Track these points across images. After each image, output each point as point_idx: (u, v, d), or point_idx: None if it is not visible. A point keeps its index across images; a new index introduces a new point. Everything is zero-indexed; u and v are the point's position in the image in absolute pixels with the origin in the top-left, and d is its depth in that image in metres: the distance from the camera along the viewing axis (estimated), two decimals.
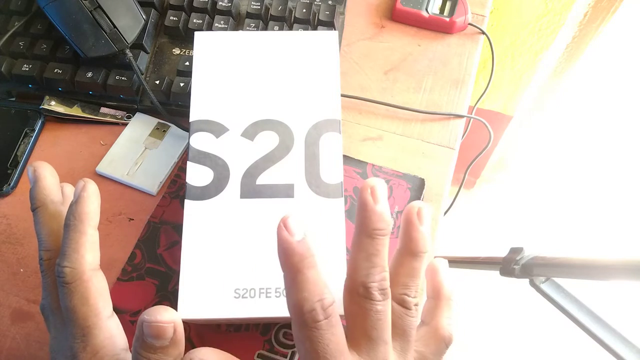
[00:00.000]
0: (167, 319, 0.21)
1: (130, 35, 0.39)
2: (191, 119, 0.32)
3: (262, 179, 0.30)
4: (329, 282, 0.22)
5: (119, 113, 0.42)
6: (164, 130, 0.41)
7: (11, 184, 0.38)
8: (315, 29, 0.42)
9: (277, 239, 0.21)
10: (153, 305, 0.34)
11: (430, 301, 0.27)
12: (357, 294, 0.22)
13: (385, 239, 0.22)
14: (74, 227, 0.24)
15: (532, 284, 0.51)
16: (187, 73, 0.40)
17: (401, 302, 0.24)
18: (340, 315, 0.31)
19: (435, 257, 0.29)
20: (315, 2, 0.43)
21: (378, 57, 0.44)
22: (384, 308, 0.22)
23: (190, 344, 0.33)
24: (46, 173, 0.27)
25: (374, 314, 0.22)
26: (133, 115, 0.41)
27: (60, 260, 0.23)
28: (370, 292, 0.22)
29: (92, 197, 0.25)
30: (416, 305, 0.24)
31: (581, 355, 1.08)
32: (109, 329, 0.24)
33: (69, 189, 0.29)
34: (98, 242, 0.25)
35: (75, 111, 0.41)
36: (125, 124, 0.41)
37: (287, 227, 0.21)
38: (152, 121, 0.41)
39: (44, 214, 0.27)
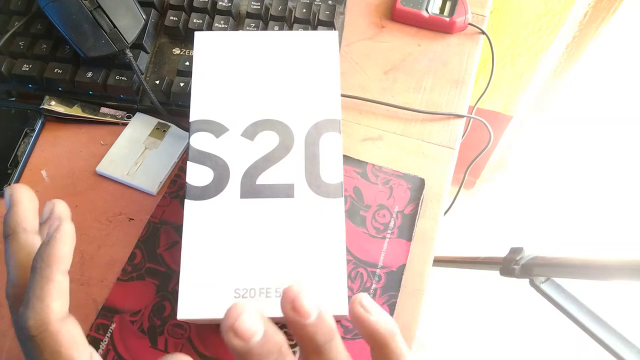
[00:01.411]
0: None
1: (130, 35, 0.39)
2: (191, 119, 0.32)
3: (262, 179, 0.30)
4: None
5: (119, 113, 0.42)
6: (164, 130, 0.41)
7: (11, 184, 0.38)
8: (315, 29, 0.42)
9: (227, 344, 0.18)
10: (153, 306, 0.34)
11: (375, 351, 0.22)
12: None
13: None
14: (40, 271, 0.21)
15: (532, 284, 0.51)
16: (187, 73, 0.40)
17: None
18: (342, 317, 0.31)
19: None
20: (315, 2, 0.43)
21: (378, 57, 0.44)
22: None
23: (190, 344, 0.33)
24: (22, 197, 0.24)
25: None
26: (133, 115, 0.41)
27: (23, 310, 0.21)
28: None
29: (66, 239, 0.22)
30: None
31: (581, 355, 1.08)
32: None
33: (56, 208, 0.25)
34: (67, 287, 0.22)
35: (75, 111, 0.41)
36: (125, 124, 0.41)
37: (238, 332, 0.17)
38: (152, 121, 0.41)
39: (14, 243, 0.24)
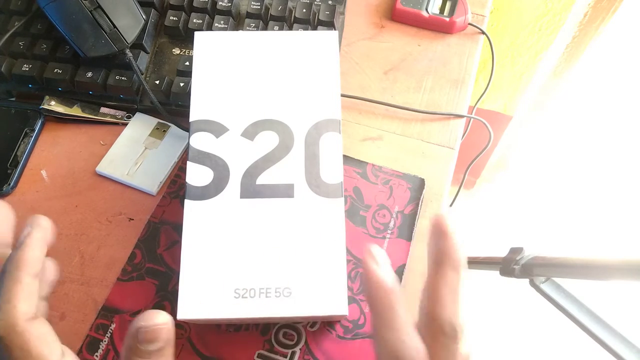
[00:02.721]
0: (163, 320, 0.21)
1: (130, 35, 0.39)
2: (191, 119, 0.32)
3: (262, 179, 0.30)
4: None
5: (119, 113, 0.42)
6: (164, 130, 0.41)
7: (11, 184, 0.39)
8: (315, 29, 0.42)
9: (364, 273, 0.21)
10: (153, 306, 0.34)
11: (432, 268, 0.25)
12: (443, 333, 0.20)
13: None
14: (9, 274, 0.22)
15: (532, 284, 0.51)
16: (187, 73, 0.40)
17: (449, 330, 0.22)
18: (342, 317, 0.31)
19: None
20: (315, 2, 0.43)
21: (378, 57, 0.44)
22: (468, 349, 0.21)
23: (190, 344, 0.33)
24: None
25: (460, 357, 0.21)
26: (133, 115, 0.41)
27: None
28: (457, 333, 0.20)
29: (35, 244, 0.23)
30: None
31: (581, 355, 1.08)
32: None
33: (32, 220, 0.26)
34: (36, 290, 0.23)
35: (75, 111, 0.41)
36: (125, 124, 0.41)
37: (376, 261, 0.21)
38: (152, 121, 0.41)
39: None
